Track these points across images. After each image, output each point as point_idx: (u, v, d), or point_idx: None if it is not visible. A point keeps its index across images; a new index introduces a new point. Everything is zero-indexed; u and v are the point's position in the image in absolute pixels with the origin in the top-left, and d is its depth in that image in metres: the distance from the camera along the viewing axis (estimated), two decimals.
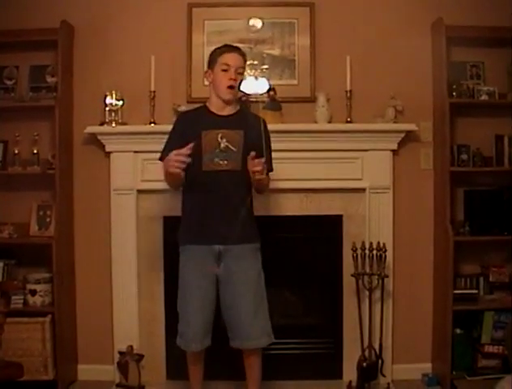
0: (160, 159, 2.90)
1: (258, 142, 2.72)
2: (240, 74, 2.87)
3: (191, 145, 2.64)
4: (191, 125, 2.87)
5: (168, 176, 2.81)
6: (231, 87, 2.84)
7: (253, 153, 2.65)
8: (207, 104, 2.95)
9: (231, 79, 2.83)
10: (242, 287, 2.84)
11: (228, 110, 2.91)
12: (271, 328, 2.91)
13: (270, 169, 2.89)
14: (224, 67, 2.83)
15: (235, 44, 3.00)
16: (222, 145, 2.80)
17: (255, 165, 2.66)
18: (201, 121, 2.87)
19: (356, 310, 3.46)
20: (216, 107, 2.90)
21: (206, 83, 3.00)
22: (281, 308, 3.72)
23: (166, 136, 3.42)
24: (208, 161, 2.81)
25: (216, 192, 2.81)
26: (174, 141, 2.86)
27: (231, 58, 2.84)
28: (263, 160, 2.66)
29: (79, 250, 3.67)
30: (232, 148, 2.80)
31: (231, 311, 2.86)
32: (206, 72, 2.96)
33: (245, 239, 2.85)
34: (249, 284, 2.86)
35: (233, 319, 2.86)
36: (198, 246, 2.87)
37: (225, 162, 2.80)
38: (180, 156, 2.63)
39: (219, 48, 2.93)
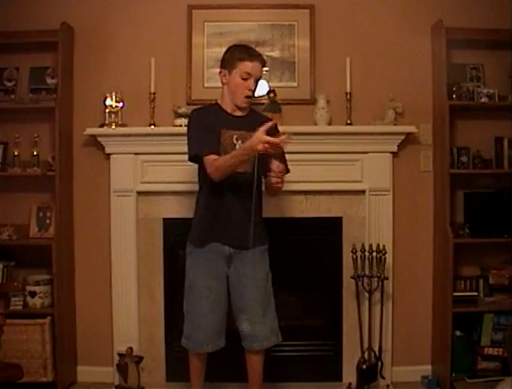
0: (194, 156, 2.80)
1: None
2: (257, 83, 2.83)
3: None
4: (210, 121, 2.80)
5: (232, 165, 2.67)
6: (249, 97, 2.82)
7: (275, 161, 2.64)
8: (219, 102, 2.90)
9: (250, 89, 2.79)
10: (252, 289, 2.85)
11: (242, 111, 2.88)
12: (279, 328, 2.94)
13: (287, 170, 2.86)
14: (245, 76, 2.77)
15: (252, 47, 2.91)
16: (237, 147, 2.77)
17: (278, 168, 2.63)
18: (218, 119, 2.82)
19: (356, 312, 3.46)
20: (230, 108, 2.87)
21: (222, 82, 2.89)
22: (281, 310, 3.68)
23: (166, 137, 3.46)
24: None
25: (230, 194, 2.80)
26: (204, 133, 2.76)
27: (253, 68, 2.78)
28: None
29: (79, 252, 3.67)
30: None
31: (240, 313, 2.87)
32: (220, 72, 2.87)
33: (256, 242, 2.86)
34: (259, 286, 2.87)
35: (242, 321, 2.86)
36: (208, 247, 2.85)
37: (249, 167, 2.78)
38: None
39: (239, 49, 2.85)
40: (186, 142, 2.85)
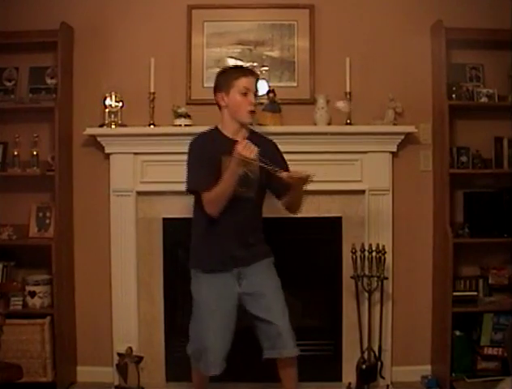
0: (191, 190, 2.82)
1: (273, 165, 2.68)
2: (256, 97, 2.85)
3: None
4: (210, 149, 2.79)
5: (223, 192, 2.69)
6: (252, 111, 2.82)
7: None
8: (219, 127, 2.88)
9: (251, 103, 2.80)
10: (273, 298, 2.83)
11: (242, 134, 2.85)
12: None
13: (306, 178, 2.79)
14: (244, 91, 2.78)
15: (242, 65, 3.00)
16: (240, 172, 2.74)
17: (296, 174, 2.63)
18: (218, 145, 2.80)
19: (356, 312, 3.47)
20: (231, 131, 2.85)
21: (220, 105, 2.88)
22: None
23: (165, 137, 3.46)
24: None
25: (233, 218, 2.77)
26: (203, 164, 2.76)
27: (249, 82, 2.80)
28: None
29: (79, 252, 3.67)
30: (250, 175, 2.75)
31: (266, 322, 2.80)
32: (217, 96, 2.86)
33: (262, 256, 2.88)
34: (277, 293, 2.86)
35: (270, 330, 2.79)
36: (216, 274, 2.83)
37: (243, 189, 2.76)
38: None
39: (230, 70, 2.89)
40: (186, 171, 2.83)
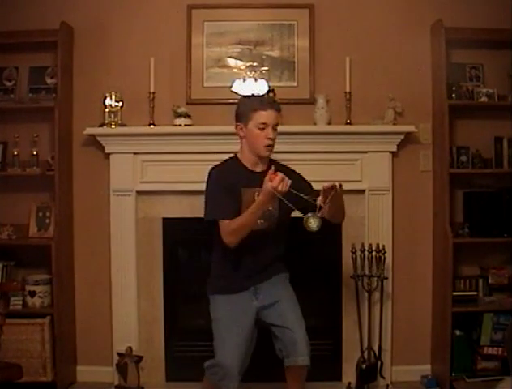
0: (212, 219, 2.75)
1: (294, 196, 2.60)
2: (275, 130, 2.77)
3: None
4: (230, 179, 2.75)
5: (248, 224, 2.65)
6: (269, 145, 2.76)
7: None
8: (239, 156, 2.84)
9: (269, 138, 2.73)
10: (289, 304, 2.83)
11: (262, 166, 2.81)
12: None
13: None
14: (261, 126, 2.72)
15: (264, 96, 2.91)
16: (271, 205, 2.70)
17: (328, 188, 2.57)
18: (238, 176, 2.77)
19: (356, 312, 3.46)
20: (250, 162, 2.81)
21: (240, 135, 2.81)
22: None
23: (165, 137, 3.46)
24: None
25: (252, 251, 2.76)
26: (223, 196, 2.72)
27: (268, 117, 2.73)
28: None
29: (79, 252, 3.67)
30: (270, 208, 2.71)
31: (282, 329, 2.77)
32: (237, 126, 2.80)
33: (277, 271, 2.90)
34: (293, 302, 2.86)
35: (285, 337, 2.76)
36: (233, 294, 2.83)
37: (262, 221, 2.74)
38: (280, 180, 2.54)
39: (251, 100, 2.84)
40: (204, 201, 2.79)
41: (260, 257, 2.80)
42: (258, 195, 2.63)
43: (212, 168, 2.82)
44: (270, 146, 2.76)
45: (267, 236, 2.78)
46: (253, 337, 2.81)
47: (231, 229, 2.67)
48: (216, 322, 2.80)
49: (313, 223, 2.57)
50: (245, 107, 2.78)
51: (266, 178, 2.57)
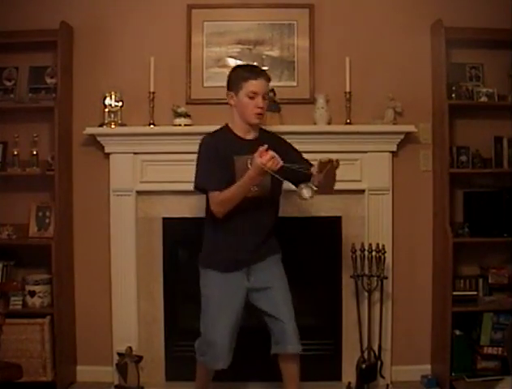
0: (200, 188, 2.81)
1: (284, 159, 2.63)
2: (265, 99, 2.82)
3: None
4: (221, 148, 2.77)
5: (237, 196, 2.67)
6: (259, 113, 2.80)
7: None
8: (230, 125, 2.87)
9: (259, 107, 2.77)
10: (280, 293, 2.86)
11: (253, 134, 2.85)
12: None
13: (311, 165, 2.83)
14: (251, 95, 2.75)
15: (257, 65, 2.94)
16: (260, 180, 2.71)
17: (326, 161, 2.62)
18: (229, 144, 2.79)
19: (356, 312, 3.47)
20: (241, 130, 2.84)
21: (230, 104, 2.85)
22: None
23: (165, 137, 3.46)
24: None
25: (247, 218, 2.77)
26: (213, 165, 2.74)
27: (258, 86, 2.76)
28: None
29: (79, 252, 3.67)
30: (258, 184, 2.73)
31: (271, 317, 2.84)
32: (228, 94, 2.84)
33: (271, 253, 2.91)
34: (285, 290, 2.89)
35: (275, 325, 2.83)
36: (226, 273, 2.84)
37: (255, 188, 2.74)
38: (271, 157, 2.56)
39: (242, 69, 2.85)
40: (195, 168, 2.81)
41: (253, 228, 2.81)
42: (251, 163, 2.65)
43: (204, 137, 2.86)
44: (261, 114, 2.80)
45: (261, 203, 2.78)
46: (242, 317, 2.86)
47: (219, 200, 2.71)
48: (207, 299, 2.84)
49: (305, 193, 2.64)
50: (236, 76, 2.82)
51: (257, 154, 2.58)
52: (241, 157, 2.74)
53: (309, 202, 2.68)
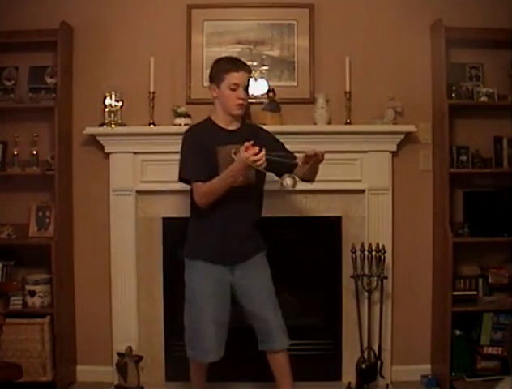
0: (184, 180, 2.85)
1: (267, 149, 2.68)
2: (247, 91, 2.87)
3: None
4: (205, 140, 2.81)
5: (219, 189, 2.71)
6: (241, 104, 2.84)
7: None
8: (213, 117, 2.91)
9: (240, 98, 2.82)
10: (263, 290, 2.89)
11: (235, 124, 2.89)
12: None
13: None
14: (233, 87, 2.80)
15: (237, 58, 2.98)
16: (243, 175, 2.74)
17: (312, 154, 2.66)
18: (212, 135, 2.83)
19: (356, 312, 3.46)
20: (224, 122, 2.88)
21: (213, 96, 2.89)
22: (280, 309, 3.71)
23: (165, 137, 3.46)
24: None
25: (232, 208, 2.80)
26: (194, 157, 2.80)
27: (239, 78, 2.81)
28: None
29: (78, 251, 3.67)
30: (241, 178, 2.75)
31: (257, 317, 2.87)
32: (210, 87, 2.89)
33: (257, 250, 2.93)
34: (268, 288, 2.91)
35: (261, 324, 2.86)
36: (212, 264, 2.86)
37: (241, 178, 2.76)
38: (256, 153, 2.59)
39: (223, 62, 2.89)
40: (179, 161, 2.85)
41: (239, 217, 2.83)
42: (235, 152, 2.68)
43: (186, 130, 2.92)
44: (242, 105, 2.84)
45: (246, 192, 2.80)
46: (229, 309, 2.89)
47: (203, 192, 2.76)
48: (193, 291, 2.87)
49: (289, 183, 2.67)
50: (218, 69, 2.87)
51: (242, 148, 2.61)
52: (224, 147, 2.77)
53: (290, 190, 2.73)
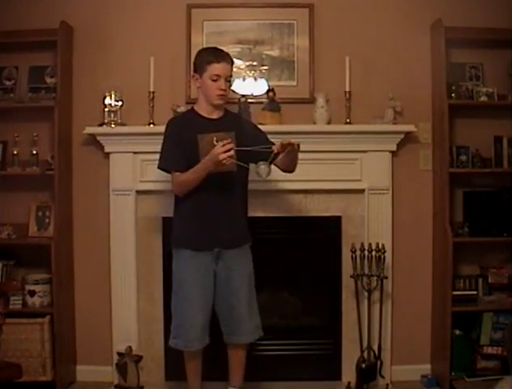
0: (162, 168, 2.97)
1: (249, 139, 2.81)
2: (229, 81, 2.94)
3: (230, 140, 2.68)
4: (185, 129, 2.90)
5: (192, 181, 2.82)
6: (222, 95, 2.91)
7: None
8: (195, 107, 3.01)
9: (221, 89, 2.89)
10: (241, 285, 2.95)
11: (218, 113, 2.98)
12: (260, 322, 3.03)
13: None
14: (214, 78, 2.88)
15: (219, 48, 3.01)
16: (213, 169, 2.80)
17: (287, 143, 2.71)
18: (194, 125, 2.90)
19: (355, 311, 3.46)
20: (206, 111, 2.97)
21: (196, 86, 2.99)
22: (280, 309, 3.72)
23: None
24: None
25: (215, 194, 2.86)
26: (173, 147, 2.91)
27: (220, 69, 2.88)
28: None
29: (78, 251, 3.67)
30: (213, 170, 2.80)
31: (229, 309, 2.94)
32: (193, 76, 2.98)
33: (242, 241, 2.98)
34: (246, 282, 2.97)
35: (231, 316, 2.95)
36: (197, 251, 2.92)
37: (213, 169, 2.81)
38: (229, 149, 2.66)
39: (206, 52, 2.96)
40: (160, 149, 2.98)
41: (222, 203, 2.89)
42: (217, 140, 2.73)
43: (169, 121, 3.03)
44: (223, 95, 2.92)
45: (229, 178, 2.83)
46: (213, 297, 2.95)
47: (178, 181, 2.88)
48: (179, 280, 2.94)
49: (262, 169, 2.75)
50: (201, 59, 2.94)
51: (218, 145, 2.68)
52: (206, 136, 2.79)
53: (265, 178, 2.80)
